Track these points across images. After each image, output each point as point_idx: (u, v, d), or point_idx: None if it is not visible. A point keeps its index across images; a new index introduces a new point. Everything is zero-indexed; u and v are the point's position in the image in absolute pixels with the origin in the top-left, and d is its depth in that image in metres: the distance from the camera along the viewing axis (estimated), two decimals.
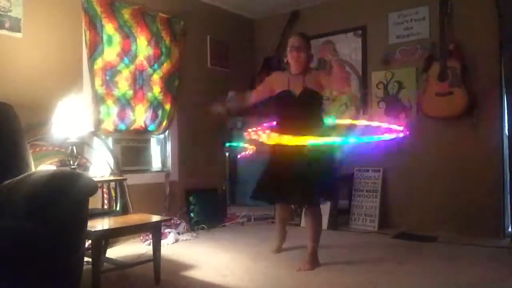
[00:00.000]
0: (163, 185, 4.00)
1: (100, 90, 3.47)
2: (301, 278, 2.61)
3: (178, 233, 3.68)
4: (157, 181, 3.97)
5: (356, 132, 3.26)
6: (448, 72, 3.62)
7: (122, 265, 2.66)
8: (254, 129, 3.05)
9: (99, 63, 3.45)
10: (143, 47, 3.80)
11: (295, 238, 3.35)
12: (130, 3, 3.69)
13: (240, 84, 4.34)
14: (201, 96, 4.31)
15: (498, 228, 3.53)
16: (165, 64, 3.97)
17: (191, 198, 4.17)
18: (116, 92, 3.60)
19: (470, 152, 3.66)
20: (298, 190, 2.82)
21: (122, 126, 3.66)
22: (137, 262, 2.66)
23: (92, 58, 3.41)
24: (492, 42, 3.56)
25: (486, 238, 3.43)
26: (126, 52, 3.65)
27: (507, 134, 3.49)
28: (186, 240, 3.62)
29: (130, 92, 3.70)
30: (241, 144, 3.68)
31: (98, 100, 3.46)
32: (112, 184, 3.22)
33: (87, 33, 3.38)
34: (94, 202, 3.02)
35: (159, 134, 4.05)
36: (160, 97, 3.94)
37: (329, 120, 3.23)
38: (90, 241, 2.27)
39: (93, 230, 2.20)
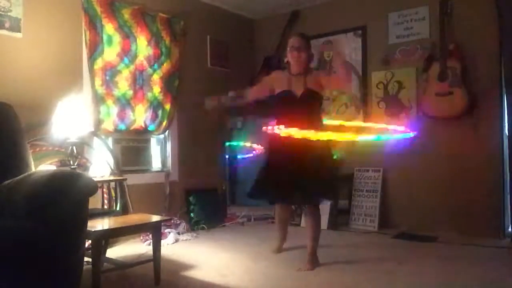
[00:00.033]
0: (163, 185, 4.00)
1: (100, 90, 3.47)
2: (301, 278, 2.61)
3: (178, 233, 3.68)
4: (157, 181, 3.97)
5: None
6: (448, 72, 3.62)
7: (122, 265, 2.66)
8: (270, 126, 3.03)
9: (99, 63, 3.45)
10: (143, 47, 3.80)
11: (295, 238, 3.34)
12: (130, 3, 3.69)
13: (240, 84, 4.33)
14: (201, 96, 4.30)
15: (498, 228, 3.53)
16: (165, 64, 3.97)
17: (191, 198, 4.17)
18: (116, 92, 3.60)
19: (470, 152, 3.66)
20: (299, 190, 2.82)
21: (122, 126, 3.66)
22: (137, 262, 2.66)
23: (92, 58, 3.41)
24: (492, 42, 3.56)
25: (486, 238, 3.43)
26: (126, 52, 3.65)
27: (507, 134, 3.49)
28: (186, 240, 3.62)
29: (130, 92, 3.70)
30: (244, 143, 3.69)
31: (98, 100, 3.46)
32: (112, 184, 3.22)
33: (87, 33, 3.38)
34: (94, 202, 3.02)
35: (159, 134, 4.05)
36: (160, 97, 3.94)
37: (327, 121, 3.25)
38: (90, 241, 2.27)
39: (93, 230, 2.20)
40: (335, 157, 3.21)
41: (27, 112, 2.69)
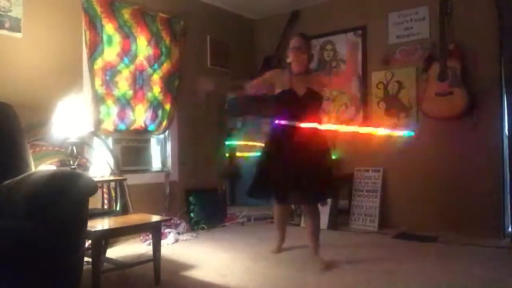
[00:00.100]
0: (163, 185, 4.00)
1: (100, 90, 3.47)
2: (300, 278, 2.61)
3: (178, 233, 3.68)
4: (157, 181, 3.97)
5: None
6: (448, 72, 3.62)
7: (122, 265, 2.66)
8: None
9: (99, 63, 3.45)
10: (143, 47, 3.80)
11: (295, 238, 3.35)
12: (130, 3, 3.69)
13: None
14: (201, 96, 4.32)
15: (498, 228, 3.53)
16: (165, 64, 3.97)
17: (191, 198, 4.17)
18: (116, 92, 3.60)
19: (470, 152, 3.65)
20: (298, 189, 2.83)
21: (122, 126, 3.66)
22: (137, 262, 2.66)
23: (92, 58, 3.41)
24: (492, 42, 3.56)
25: (486, 238, 3.42)
26: (126, 52, 3.65)
27: (507, 134, 3.49)
28: (186, 240, 3.62)
29: (130, 92, 3.70)
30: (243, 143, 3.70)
31: (98, 100, 3.46)
32: (112, 184, 3.22)
33: (87, 33, 3.38)
34: (94, 202, 3.02)
35: (159, 134, 4.05)
36: (160, 97, 3.94)
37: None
38: (90, 241, 2.27)
39: (93, 230, 2.20)
40: (334, 157, 3.22)
41: (27, 112, 2.69)
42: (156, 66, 3.90)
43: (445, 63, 3.64)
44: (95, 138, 3.43)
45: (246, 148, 4.23)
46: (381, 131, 3.87)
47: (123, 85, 3.64)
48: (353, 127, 4.08)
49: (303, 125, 2.80)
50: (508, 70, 3.41)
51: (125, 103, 3.66)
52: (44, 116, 2.81)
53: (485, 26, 3.61)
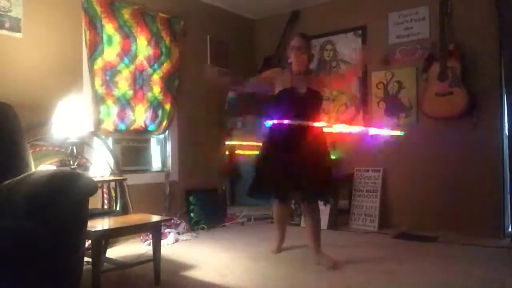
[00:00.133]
0: (163, 185, 4.00)
1: (100, 90, 3.47)
2: (300, 278, 2.61)
3: (178, 233, 3.68)
4: (157, 181, 3.97)
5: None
6: (448, 72, 3.62)
7: (122, 265, 2.66)
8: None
9: (99, 63, 3.45)
10: (143, 47, 3.80)
11: (295, 238, 3.35)
12: (130, 3, 3.69)
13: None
14: (201, 96, 4.33)
15: (498, 228, 3.53)
16: (165, 64, 3.97)
17: (191, 198, 4.17)
18: (116, 92, 3.60)
19: (470, 152, 3.66)
20: (298, 189, 2.83)
21: (122, 126, 3.66)
22: (137, 262, 2.66)
23: (92, 58, 3.41)
24: (492, 42, 3.56)
25: (486, 238, 3.42)
26: (126, 52, 3.65)
27: (507, 134, 3.49)
28: (186, 240, 3.62)
29: (130, 92, 3.70)
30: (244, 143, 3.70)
31: (98, 100, 3.46)
32: (112, 184, 3.22)
33: (87, 33, 3.38)
34: (94, 202, 3.02)
35: (159, 134, 4.05)
36: (160, 97, 3.94)
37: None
38: (90, 241, 2.27)
39: (93, 230, 2.20)
40: (333, 157, 3.22)
41: (27, 112, 2.69)
42: (156, 66, 3.90)
43: (445, 63, 3.64)
44: (95, 138, 3.43)
45: (246, 148, 4.23)
46: (372, 131, 3.89)
47: (123, 85, 3.64)
48: (353, 127, 4.08)
49: (303, 124, 2.80)
50: (508, 70, 3.41)
51: (125, 103, 3.66)
52: (44, 116, 2.81)
53: (485, 26, 3.61)
